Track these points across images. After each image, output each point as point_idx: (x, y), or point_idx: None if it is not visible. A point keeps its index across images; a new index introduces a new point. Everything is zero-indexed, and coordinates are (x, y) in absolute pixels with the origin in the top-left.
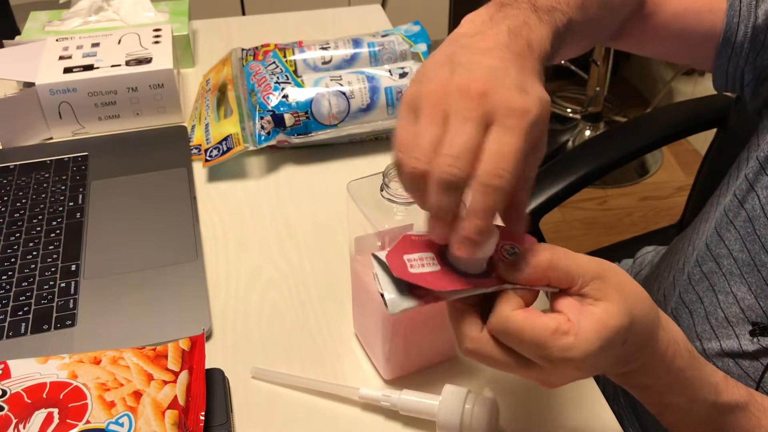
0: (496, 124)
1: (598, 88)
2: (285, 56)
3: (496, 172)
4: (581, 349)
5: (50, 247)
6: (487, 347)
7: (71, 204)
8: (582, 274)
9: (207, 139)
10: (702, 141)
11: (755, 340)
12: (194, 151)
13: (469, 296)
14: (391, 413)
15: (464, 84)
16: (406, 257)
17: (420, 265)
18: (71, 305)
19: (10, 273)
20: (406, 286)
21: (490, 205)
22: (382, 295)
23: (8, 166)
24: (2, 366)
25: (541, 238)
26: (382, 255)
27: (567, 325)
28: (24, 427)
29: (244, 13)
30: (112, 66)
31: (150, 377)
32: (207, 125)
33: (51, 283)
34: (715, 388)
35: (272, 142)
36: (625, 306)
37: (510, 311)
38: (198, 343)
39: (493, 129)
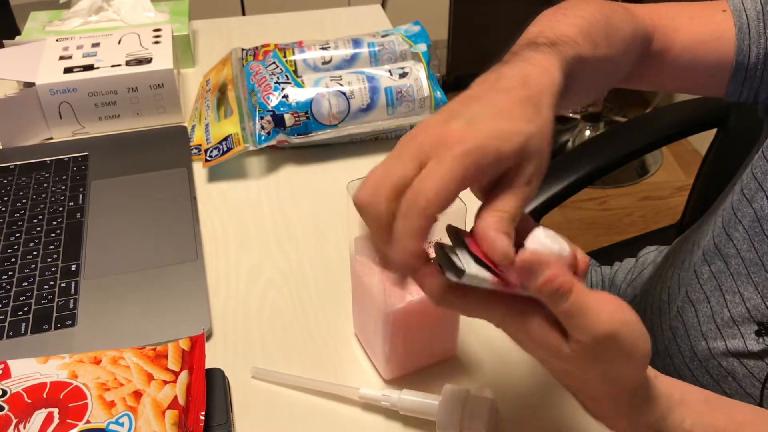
0: (431, 158)
1: None
2: (285, 56)
3: (412, 199)
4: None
5: (50, 247)
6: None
7: (71, 204)
8: (580, 328)
9: (207, 139)
10: (702, 141)
11: (761, 340)
12: (194, 151)
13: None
14: (391, 413)
15: (415, 131)
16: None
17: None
18: (71, 305)
19: (10, 273)
20: (475, 264)
21: (407, 229)
22: (455, 266)
23: (8, 166)
24: (2, 366)
25: None
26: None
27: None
28: (24, 427)
29: (244, 13)
30: (112, 66)
31: (150, 377)
32: (207, 125)
33: (51, 283)
34: None
35: (272, 142)
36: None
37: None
38: (198, 343)
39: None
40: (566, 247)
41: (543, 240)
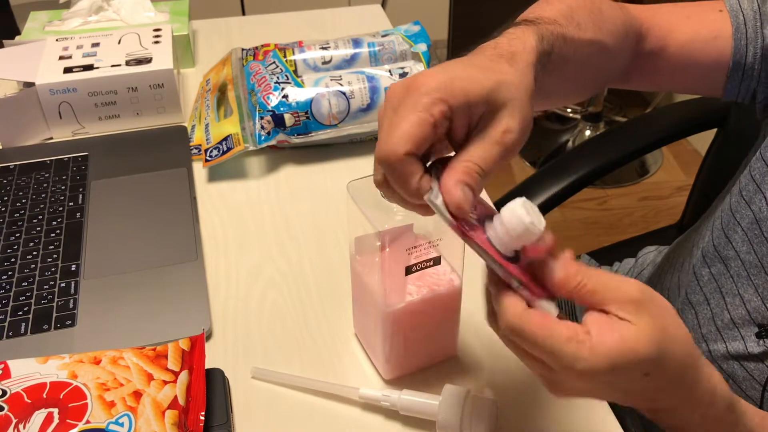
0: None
1: None
2: (285, 56)
3: (380, 147)
4: (589, 363)
5: (50, 247)
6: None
7: (71, 204)
8: (615, 297)
9: (207, 139)
10: (702, 141)
11: (761, 342)
12: (194, 151)
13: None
14: (391, 413)
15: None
16: None
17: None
18: (71, 305)
19: (10, 273)
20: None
21: (378, 177)
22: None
23: (8, 166)
24: (2, 366)
25: None
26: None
27: (583, 336)
28: (24, 427)
29: (244, 13)
30: (112, 66)
31: (150, 377)
32: (207, 125)
33: (51, 283)
34: None
35: (272, 142)
36: (656, 337)
37: (523, 310)
38: (198, 343)
39: None
40: (538, 224)
41: (518, 210)
